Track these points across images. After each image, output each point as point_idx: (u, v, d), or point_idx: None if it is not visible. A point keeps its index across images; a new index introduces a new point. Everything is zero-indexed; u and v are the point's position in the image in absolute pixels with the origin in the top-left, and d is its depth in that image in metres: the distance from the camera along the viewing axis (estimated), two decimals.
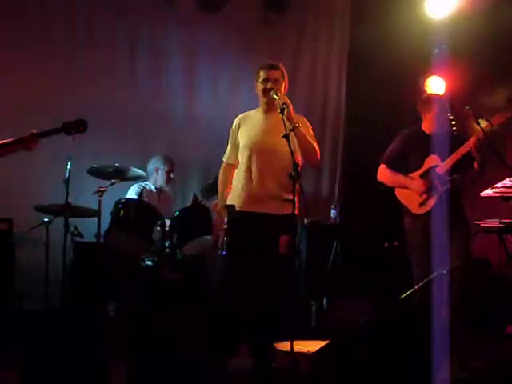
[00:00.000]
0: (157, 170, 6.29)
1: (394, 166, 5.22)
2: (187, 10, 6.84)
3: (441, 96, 5.81)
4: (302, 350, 4.65)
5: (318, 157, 4.69)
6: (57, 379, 3.84)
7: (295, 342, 4.16)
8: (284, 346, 4.37)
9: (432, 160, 5.03)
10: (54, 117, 5.10)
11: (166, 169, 6.29)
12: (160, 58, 6.99)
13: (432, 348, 3.11)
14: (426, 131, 5.11)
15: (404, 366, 3.62)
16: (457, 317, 4.34)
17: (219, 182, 4.89)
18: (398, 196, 5.20)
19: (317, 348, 4.25)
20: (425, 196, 5.04)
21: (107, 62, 6.67)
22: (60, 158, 5.31)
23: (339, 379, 3.86)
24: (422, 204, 5.05)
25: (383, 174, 5.28)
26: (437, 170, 4.98)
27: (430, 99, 5.31)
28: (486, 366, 4.58)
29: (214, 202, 5.31)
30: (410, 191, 5.14)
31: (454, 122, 5.46)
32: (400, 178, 5.19)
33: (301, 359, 4.41)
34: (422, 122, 5.21)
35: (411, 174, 5.11)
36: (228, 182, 4.83)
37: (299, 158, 4.37)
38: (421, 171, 5.06)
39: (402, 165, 5.21)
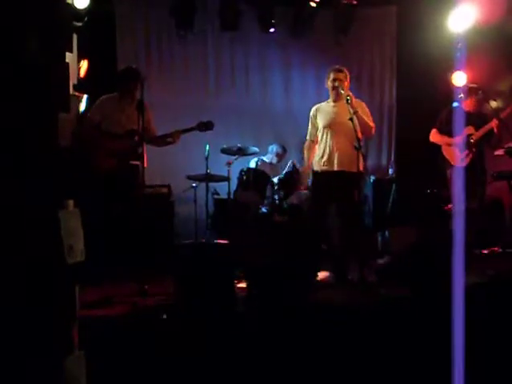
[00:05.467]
0: (276, 153, 7.69)
1: (442, 131, 6.31)
2: (284, 36, 8.13)
3: (473, 86, 6.45)
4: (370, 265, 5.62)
5: (373, 132, 5.63)
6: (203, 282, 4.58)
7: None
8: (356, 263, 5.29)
9: (469, 130, 6.18)
10: (195, 116, 6.26)
11: (281, 154, 7.68)
12: (265, 70, 8.35)
13: (452, 258, 3.31)
14: (465, 109, 6.18)
15: (434, 268, 4.71)
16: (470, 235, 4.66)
17: (305, 153, 5.82)
18: (443, 152, 6.27)
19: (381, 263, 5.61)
20: (465, 153, 6.09)
21: (229, 75, 8.26)
22: (201, 143, 6.48)
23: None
24: (462, 160, 6.09)
25: (435, 136, 6.34)
26: (472, 137, 6.15)
27: (468, 88, 6.30)
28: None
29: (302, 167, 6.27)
30: (453, 150, 6.18)
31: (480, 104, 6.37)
32: (446, 139, 6.23)
33: (368, 272, 5.27)
34: (460, 102, 6.19)
35: (454, 138, 6.16)
36: (311, 153, 5.71)
37: (360, 134, 5.23)
38: (461, 136, 6.13)
39: (446, 130, 6.26)
